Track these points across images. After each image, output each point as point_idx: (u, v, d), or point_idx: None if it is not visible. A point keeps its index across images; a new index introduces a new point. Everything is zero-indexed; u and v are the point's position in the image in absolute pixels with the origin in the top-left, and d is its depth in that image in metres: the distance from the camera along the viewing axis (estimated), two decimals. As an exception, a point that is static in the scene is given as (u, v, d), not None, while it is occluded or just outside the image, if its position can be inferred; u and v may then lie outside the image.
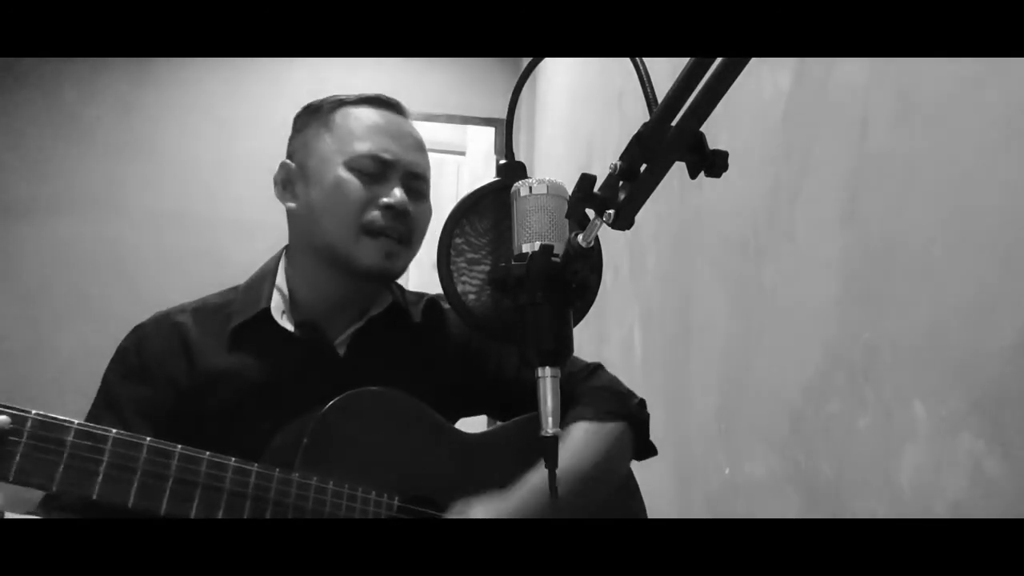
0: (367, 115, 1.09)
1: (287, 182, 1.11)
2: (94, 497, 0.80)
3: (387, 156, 1.06)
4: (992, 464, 0.73)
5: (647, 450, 1.16)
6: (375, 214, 1.04)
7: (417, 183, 1.09)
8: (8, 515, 0.80)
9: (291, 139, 1.14)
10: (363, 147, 1.05)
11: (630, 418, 1.12)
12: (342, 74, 3.54)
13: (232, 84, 4.16)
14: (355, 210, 1.04)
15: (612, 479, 1.11)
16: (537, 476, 0.99)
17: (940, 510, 0.80)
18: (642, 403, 1.15)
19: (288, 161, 1.12)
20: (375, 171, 1.05)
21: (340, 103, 1.11)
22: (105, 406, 1.01)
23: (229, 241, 3.78)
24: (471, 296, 0.67)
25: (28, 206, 3.90)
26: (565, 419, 1.06)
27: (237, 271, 1.20)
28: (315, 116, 1.11)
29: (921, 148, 0.87)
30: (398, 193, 1.04)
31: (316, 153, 1.08)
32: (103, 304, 3.69)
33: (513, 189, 0.64)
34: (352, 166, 1.05)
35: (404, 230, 1.06)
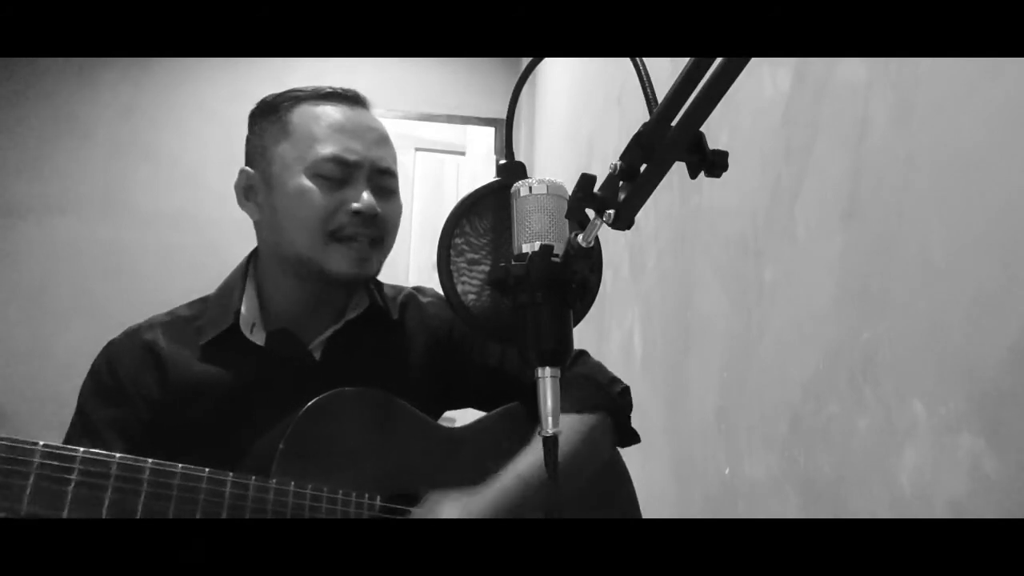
0: (326, 113, 1.04)
1: (248, 190, 1.07)
2: (64, 516, 0.78)
3: (351, 157, 1.02)
4: (991, 464, 0.73)
5: (629, 437, 1.14)
6: (343, 220, 1.01)
7: (385, 179, 1.05)
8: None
9: (248, 141, 1.10)
10: (325, 150, 1.01)
11: (609, 407, 1.09)
12: (343, 75, 3.51)
13: (233, 84, 4.16)
14: (321, 218, 1.00)
15: (591, 469, 1.09)
16: (509, 475, 0.96)
17: (940, 510, 0.80)
18: (625, 390, 1.13)
19: (248, 168, 1.08)
20: (339, 175, 1.01)
21: (296, 100, 1.06)
22: (82, 429, 1.00)
23: (230, 241, 3.75)
24: (471, 296, 0.67)
25: (28, 206, 3.90)
26: None
27: (237, 271, 1.19)
28: (271, 118, 1.06)
29: (921, 148, 0.87)
30: (366, 196, 1.01)
31: (276, 160, 1.04)
32: (103, 304, 3.69)
33: (513, 189, 0.64)
34: (315, 171, 1.01)
35: (375, 233, 1.03)
